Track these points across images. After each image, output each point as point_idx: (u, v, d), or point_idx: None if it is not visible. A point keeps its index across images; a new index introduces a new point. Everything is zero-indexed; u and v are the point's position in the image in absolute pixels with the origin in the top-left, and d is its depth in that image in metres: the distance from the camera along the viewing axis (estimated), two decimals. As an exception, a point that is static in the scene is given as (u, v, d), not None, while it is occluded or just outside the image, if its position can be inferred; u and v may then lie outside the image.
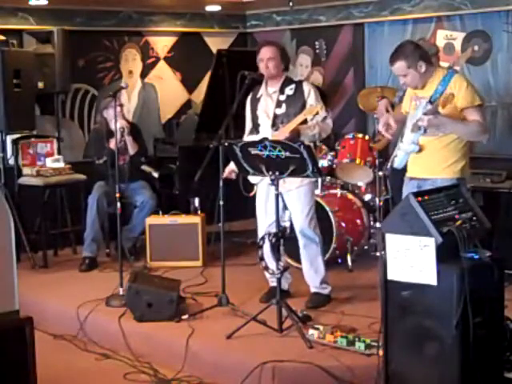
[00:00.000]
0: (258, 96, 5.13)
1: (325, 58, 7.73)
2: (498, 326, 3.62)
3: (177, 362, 4.40)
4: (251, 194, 5.25)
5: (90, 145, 6.98)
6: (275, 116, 5.03)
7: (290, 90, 5.03)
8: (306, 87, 5.04)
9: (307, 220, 5.03)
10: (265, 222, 5.09)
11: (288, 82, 5.08)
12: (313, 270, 5.10)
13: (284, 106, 5.01)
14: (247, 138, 5.17)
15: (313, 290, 5.15)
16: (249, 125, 5.23)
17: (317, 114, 4.88)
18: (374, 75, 7.30)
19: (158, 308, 4.82)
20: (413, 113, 4.38)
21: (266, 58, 5.01)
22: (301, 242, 5.08)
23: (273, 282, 5.08)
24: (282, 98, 5.02)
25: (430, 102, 4.22)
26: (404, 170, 4.56)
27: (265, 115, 5.07)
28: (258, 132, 5.10)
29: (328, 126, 5.04)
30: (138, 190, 6.49)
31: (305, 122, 4.90)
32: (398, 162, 4.52)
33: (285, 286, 5.08)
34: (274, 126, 5.01)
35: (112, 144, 6.04)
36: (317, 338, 4.33)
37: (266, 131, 5.02)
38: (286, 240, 4.75)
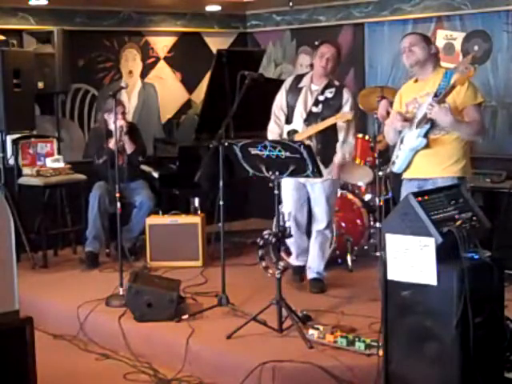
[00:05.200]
0: (300, 86, 5.31)
1: (325, 57, 7.71)
2: (498, 326, 3.62)
3: (177, 362, 4.41)
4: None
5: (89, 144, 6.98)
6: (310, 112, 5.23)
7: (329, 93, 5.24)
8: (346, 94, 5.26)
9: (332, 208, 5.41)
10: (293, 206, 5.32)
11: (330, 84, 5.28)
12: (321, 254, 5.42)
13: (320, 106, 5.23)
14: (273, 128, 5.37)
15: (313, 275, 5.42)
16: (280, 107, 5.36)
17: (347, 121, 5.13)
18: (374, 75, 7.30)
19: (158, 308, 4.82)
20: (414, 113, 4.43)
21: (328, 55, 5.21)
22: (317, 227, 5.37)
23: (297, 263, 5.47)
24: (321, 98, 5.24)
25: (436, 95, 4.27)
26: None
27: (302, 108, 5.26)
28: (289, 122, 5.31)
29: (349, 146, 5.29)
30: (136, 190, 6.50)
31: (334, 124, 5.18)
32: (399, 164, 4.53)
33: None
34: (307, 121, 5.23)
35: (111, 144, 6.06)
36: (317, 337, 4.33)
37: (298, 124, 5.26)
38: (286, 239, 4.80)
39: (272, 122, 5.40)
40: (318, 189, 5.30)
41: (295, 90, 5.33)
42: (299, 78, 5.40)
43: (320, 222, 5.37)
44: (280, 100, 5.39)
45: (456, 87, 4.28)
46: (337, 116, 5.14)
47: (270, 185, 4.62)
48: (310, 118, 5.23)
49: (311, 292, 5.33)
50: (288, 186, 5.31)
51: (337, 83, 5.32)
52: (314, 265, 5.43)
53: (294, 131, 5.26)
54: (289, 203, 5.35)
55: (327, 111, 5.20)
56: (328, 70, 5.22)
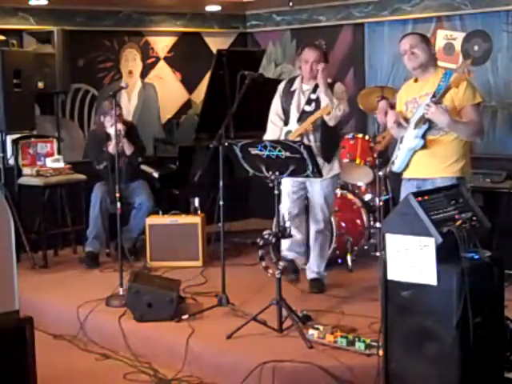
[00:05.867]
0: (293, 89, 5.34)
1: (325, 57, 7.71)
2: (498, 325, 3.62)
3: (177, 362, 4.41)
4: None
5: (88, 148, 6.94)
6: (303, 112, 5.25)
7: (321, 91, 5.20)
8: (338, 89, 5.24)
9: (330, 208, 5.42)
10: (288, 199, 5.32)
11: None
12: (321, 254, 5.44)
13: (313, 104, 5.24)
14: (269, 133, 5.39)
15: (313, 275, 5.44)
16: (277, 111, 5.40)
17: (328, 113, 5.09)
18: (374, 75, 7.30)
19: (158, 308, 4.82)
20: (414, 112, 4.43)
21: (311, 60, 5.21)
22: (316, 228, 5.37)
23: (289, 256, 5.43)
24: (313, 96, 5.25)
25: (434, 96, 4.29)
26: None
27: (295, 109, 5.30)
28: (286, 125, 5.34)
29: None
30: (136, 191, 6.49)
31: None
32: (398, 163, 4.54)
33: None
34: (300, 120, 5.24)
35: (110, 148, 6.07)
36: (317, 337, 4.33)
37: (292, 125, 5.29)
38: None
39: (268, 130, 5.41)
40: (316, 187, 5.32)
41: (289, 93, 5.36)
42: (291, 81, 5.42)
43: (318, 222, 5.38)
44: (276, 106, 5.42)
45: (451, 88, 4.29)
46: (319, 111, 5.12)
47: (270, 185, 4.62)
48: (304, 117, 5.24)
49: (311, 292, 5.34)
50: (287, 181, 5.30)
51: (329, 80, 5.30)
52: (314, 265, 5.44)
53: (290, 132, 5.28)
54: (284, 196, 5.32)
55: (320, 109, 5.19)
56: (315, 72, 5.20)
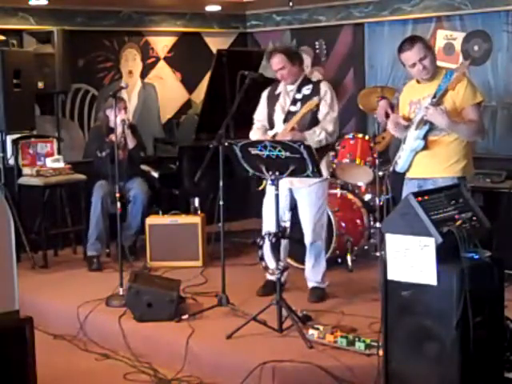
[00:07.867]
0: (277, 93, 5.25)
1: (325, 58, 7.73)
2: (498, 325, 3.62)
3: (177, 362, 4.41)
4: (260, 188, 5.29)
5: (91, 141, 6.93)
6: (288, 112, 5.13)
7: (307, 90, 5.13)
8: (323, 88, 5.14)
9: (317, 216, 5.15)
10: (273, 218, 5.11)
11: (306, 81, 5.19)
12: (317, 266, 5.23)
13: (299, 104, 5.11)
14: (255, 134, 5.26)
15: (312, 284, 5.26)
16: (259, 119, 5.30)
17: (316, 107, 4.98)
18: (374, 75, 7.30)
19: (158, 308, 4.82)
20: (416, 113, 4.44)
21: (277, 69, 5.12)
22: (309, 238, 5.17)
23: (268, 276, 5.18)
24: (299, 96, 5.14)
25: (434, 96, 4.29)
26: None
27: (280, 111, 5.18)
28: (272, 128, 5.22)
29: (327, 124, 5.07)
30: (132, 186, 6.47)
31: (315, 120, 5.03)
32: (401, 164, 4.54)
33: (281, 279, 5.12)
34: (286, 121, 5.12)
35: (113, 137, 6.07)
36: (317, 337, 4.33)
37: (278, 126, 5.16)
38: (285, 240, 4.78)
39: (252, 136, 5.24)
40: (303, 194, 5.13)
41: (274, 97, 5.24)
42: (275, 85, 5.28)
43: (307, 234, 5.16)
44: (261, 112, 5.29)
45: (448, 91, 4.29)
46: (305, 106, 4.97)
47: (260, 188, 4.55)
48: (289, 117, 5.10)
49: (309, 301, 5.13)
50: (271, 194, 5.08)
51: (314, 79, 5.26)
52: (312, 276, 5.27)
53: (276, 134, 5.14)
54: (267, 211, 5.20)
55: None
56: (287, 77, 5.11)
